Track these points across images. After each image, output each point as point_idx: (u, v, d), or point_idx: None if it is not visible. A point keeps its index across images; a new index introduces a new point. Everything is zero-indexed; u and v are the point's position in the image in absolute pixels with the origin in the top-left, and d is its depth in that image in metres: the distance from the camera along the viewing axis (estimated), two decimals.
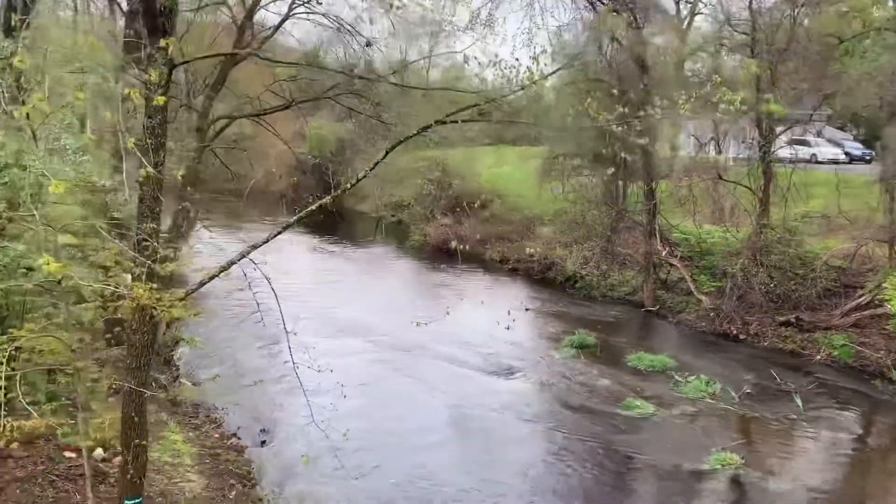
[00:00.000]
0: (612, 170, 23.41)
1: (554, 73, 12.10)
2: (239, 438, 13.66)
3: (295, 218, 8.70)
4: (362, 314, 22.83)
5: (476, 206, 35.83)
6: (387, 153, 7.30)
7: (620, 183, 26.99)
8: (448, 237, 34.06)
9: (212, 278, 7.67)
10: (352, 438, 14.00)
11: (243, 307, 23.09)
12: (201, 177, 27.66)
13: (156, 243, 7.26)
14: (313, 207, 8.25)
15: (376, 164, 7.38)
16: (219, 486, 11.32)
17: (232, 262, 8.51)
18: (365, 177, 7.46)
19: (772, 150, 21.91)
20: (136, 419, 7.32)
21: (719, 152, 23.25)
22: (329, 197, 8.00)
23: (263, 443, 13.55)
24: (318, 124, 42.91)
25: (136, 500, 7.39)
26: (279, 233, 8.94)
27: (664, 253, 23.80)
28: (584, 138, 28.22)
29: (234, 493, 11.23)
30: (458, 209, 35.80)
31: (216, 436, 13.36)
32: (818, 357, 19.29)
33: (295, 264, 29.89)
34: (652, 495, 12.41)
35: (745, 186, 22.57)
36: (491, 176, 40.53)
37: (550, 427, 15.03)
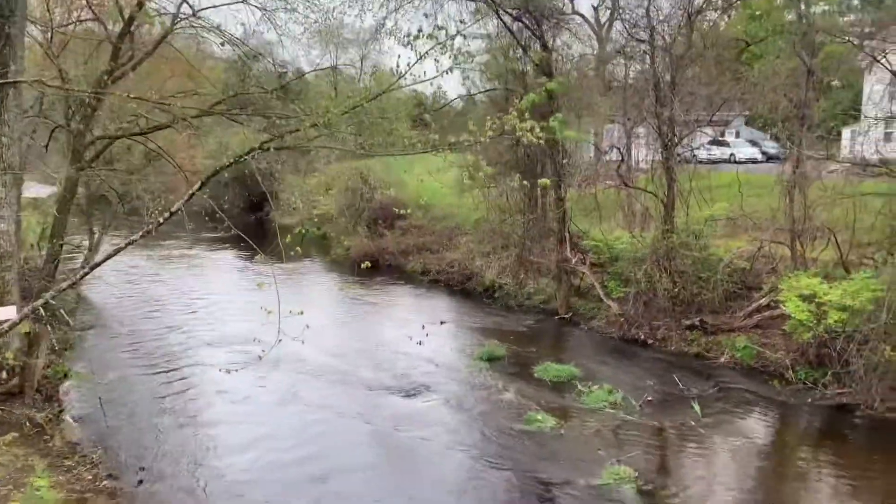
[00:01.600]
0: (518, 176, 23.36)
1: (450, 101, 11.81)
2: (116, 479, 12.92)
3: (135, 236, 8.09)
4: (267, 335, 22.16)
5: (397, 217, 35.73)
6: (202, 185, 6.86)
7: (536, 191, 27.03)
8: (369, 250, 33.76)
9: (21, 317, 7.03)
10: (243, 471, 13.70)
11: (144, 332, 22.43)
12: (107, 196, 26.87)
13: None
14: (156, 222, 7.58)
15: (190, 195, 6.93)
16: None
17: (71, 283, 7.92)
18: (178, 211, 6.99)
19: (673, 154, 22.10)
20: None
21: (622, 159, 23.43)
22: (160, 219, 7.42)
23: (140, 482, 12.85)
24: (240, 135, 41.98)
25: None
26: (116, 252, 8.36)
27: (574, 260, 23.85)
28: (500, 147, 28.38)
29: None
30: (379, 221, 35.47)
31: (88, 478, 12.60)
32: (722, 360, 19.53)
33: (204, 282, 29.13)
34: None
35: (649, 192, 22.79)
36: (419, 185, 40.27)
37: (449, 446, 14.70)
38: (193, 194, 7.00)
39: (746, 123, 52.59)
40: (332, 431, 15.59)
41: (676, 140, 22.10)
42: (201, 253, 35.55)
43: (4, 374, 15.04)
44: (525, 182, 25.97)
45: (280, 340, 7.28)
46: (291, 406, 16.95)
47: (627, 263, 22.99)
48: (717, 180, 26.65)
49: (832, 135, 27.10)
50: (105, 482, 12.61)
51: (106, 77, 14.99)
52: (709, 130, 46.31)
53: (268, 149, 6.71)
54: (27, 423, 14.10)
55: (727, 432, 15.48)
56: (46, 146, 18.65)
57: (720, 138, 47.93)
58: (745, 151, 46.63)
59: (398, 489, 13.02)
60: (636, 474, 13.24)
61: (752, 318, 20.24)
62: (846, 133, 32.22)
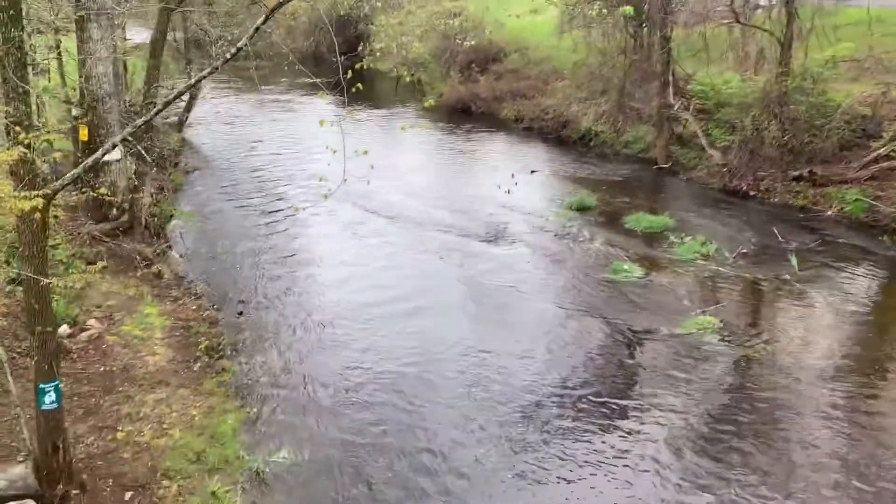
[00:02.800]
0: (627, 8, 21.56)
1: None
2: (218, 310, 13.87)
3: (204, 73, 8.06)
4: (360, 182, 22.51)
5: (492, 60, 34.49)
6: (265, 19, 6.62)
7: (643, 30, 25.21)
8: (462, 96, 33.02)
9: (103, 153, 7.27)
10: (335, 306, 14.40)
11: (244, 173, 23.24)
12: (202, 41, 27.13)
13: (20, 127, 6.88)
14: (223, 58, 7.44)
15: (255, 29, 6.73)
16: (184, 359, 11.62)
17: (145, 120, 8.12)
18: (244, 47, 6.83)
19: None
20: (36, 307, 7.31)
21: None
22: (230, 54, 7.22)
23: (240, 314, 13.75)
24: None
25: (52, 384, 7.54)
26: (185, 89, 8.40)
27: (677, 106, 22.48)
28: None
29: (198, 364, 11.52)
30: (473, 65, 34.37)
31: (193, 308, 13.59)
32: (829, 213, 18.43)
33: (300, 125, 29.49)
34: (616, 361, 12.25)
35: (765, 30, 20.78)
36: (518, 24, 38.34)
37: (530, 293, 14.84)
38: (258, 28, 6.79)
39: None
40: (419, 274, 15.97)
41: None
42: (297, 98, 35.71)
43: (115, 211, 16.03)
44: (629, 15, 24.29)
45: (346, 181, 7.08)
46: (382, 248, 17.38)
47: (735, 109, 21.49)
48: (846, 17, 24.00)
49: None
50: (208, 312, 13.56)
51: None
52: None
53: None
54: (137, 257, 15.15)
55: (824, 287, 14.85)
56: None
57: None
58: None
59: (480, 331, 13.36)
60: (721, 325, 13.04)
61: (868, 169, 18.73)
62: None
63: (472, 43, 34.82)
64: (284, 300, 14.49)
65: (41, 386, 7.52)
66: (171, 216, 18.39)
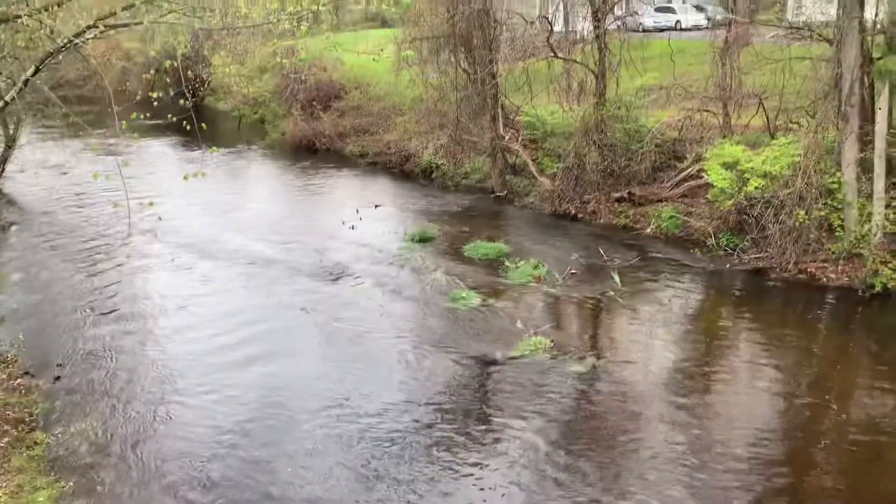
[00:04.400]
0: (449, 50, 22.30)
1: None
2: (32, 376, 12.87)
3: None
4: (200, 223, 21.87)
5: (334, 98, 34.63)
6: (37, 69, 6.33)
7: (475, 67, 26.20)
8: (305, 133, 32.88)
9: None
10: (168, 361, 13.73)
11: (67, 228, 21.82)
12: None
13: None
14: None
15: (25, 81, 6.42)
16: None
17: None
18: (11, 100, 6.49)
19: (604, 23, 21.41)
20: None
21: (550, 29, 22.61)
22: None
23: (57, 378, 12.81)
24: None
25: None
26: None
27: (507, 137, 23.52)
28: (434, 20, 27.23)
29: (6, 439, 10.60)
30: (315, 102, 34.34)
31: (3, 377, 12.51)
32: (648, 230, 19.81)
33: (146, 172, 28.16)
34: (456, 389, 12.50)
35: (578, 62, 22.27)
36: (358, 62, 38.73)
37: (373, 328, 14.85)
38: (27, 81, 6.46)
39: None
40: (262, 318, 15.56)
41: (607, 8, 21.34)
42: (128, 142, 34.11)
43: None
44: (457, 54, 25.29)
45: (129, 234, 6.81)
46: (218, 294, 16.85)
47: (560, 138, 22.78)
48: (654, 49, 26.17)
49: None
50: (20, 380, 12.54)
51: None
52: None
53: (104, 28, 6.12)
54: None
55: (644, 300, 15.92)
56: None
57: (666, 5, 46.69)
58: (691, 18, 45.61)
59: (325, 371, 13.20)
60: (551, 344, 13.63)
61: (679, 188, 20.42)
62: None
63: (312, 80, 34.99)
64: (109, 358, 13.67)
65: None
66: None
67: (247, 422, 11.51)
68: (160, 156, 31.64)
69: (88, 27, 6.15)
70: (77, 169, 28.27)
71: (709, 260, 17.66)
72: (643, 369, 12.95)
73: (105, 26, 6.02)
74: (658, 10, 44.07)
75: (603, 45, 21.41)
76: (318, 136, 32.46)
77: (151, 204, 12.35)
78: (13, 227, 21.61)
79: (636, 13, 39.49)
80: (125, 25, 6.64)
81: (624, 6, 25.69)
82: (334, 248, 19.58)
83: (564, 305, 15.70)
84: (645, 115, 22.16)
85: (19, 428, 10.94)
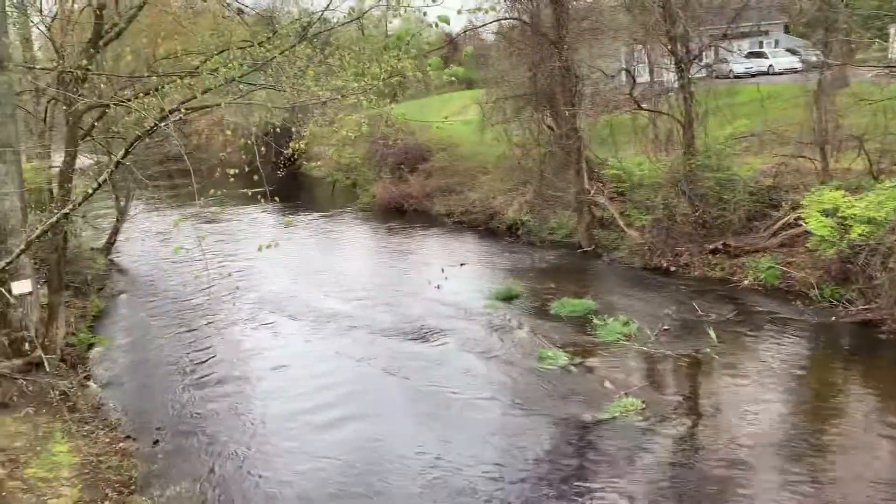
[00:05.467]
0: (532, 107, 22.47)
1: None
2: (133, 440, 13.38)
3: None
4: (292, 286, 22.51)
5: (421, 160, 35.41)
6: (127, 151, 6.75)
7: (559, 122, 26.30)
8: (393, 196, 33.68)
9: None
10: (259, 425, 14.03)
11: (174, 296, 22.92)
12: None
13: None
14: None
15: (116, 163, 6.84)
16: (91, 499, 11.07)
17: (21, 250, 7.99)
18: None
19: (688, 72, 21.09)
20: None
21: (633, 82, 22.45)
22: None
23: (156, 442, 13.26)
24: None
25: None
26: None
27: (593, 191, 23.27)
28: (518, 79, 27.66)
29: (106, 503, 10.99)
30: (402, 165, 35.21)
31: (106, 441, 13.06)
32: (746, 282, 18.98)
33: (231, 242, 29.48)
34: (545, 450, 12.13)
35: (664, 113, 21.93)
36: (442, 126, 39.60)
37: (458, 389, 14.70)
38: (118, 163, 6.90)
39: (786, 31, 49.87)
40: (350, 379, 15.72)
41: (690, 57, 21.04)
42: (231, 210, 35.88)
43: (27, 346, 15.56)
44: (539, 112, 25.47)
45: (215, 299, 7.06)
46: (312, 356, 17.18)
47: (648, 190, 22.35)
48: (745, 96, 25.55)
49: (877, 36, 25.44)
50: (122, 444, 13.06)
51: (92, 46, 14.93)
52: (743, 43, 44.10)
53: (185, 111, 6.52)
54: (51, 392, 14.62)
55: (743, 357, 15.13)
56: (45, 119, 18.83)
57: (757, 50, 45.64)
58: (784, 62, 44.33)
59: (413, 430, 13.15)
60: (643, 406, 13.07)
61: (776, 237, 19.53)
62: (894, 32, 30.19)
63: (400, 144, 35.98)
64: (205, 421, 14.07)
65: None
66: (91, 345, 17.94)
67: (341, 484, 11.52)
68: (258, 221, 33.05)
69: (171, 111, 6.56)
70: (177, 238, 29.80)
71: (812, 312, 16.68)
72: (744, 432, 12.18)
73: (186, 109, 6.40)
74: (749, 55, 43.10)
75: (688, 95, 21.04)
76: (405, 197, 33.16)
77: (230, 275, 12.78)
78: (122, 296, 22.89)
79: (725, 61, 38.84)
80: (204, 108, 7.06)
81: (711, 55, 25.23)
82: (420, 308, 19.68)
83: (657, 364, 15.09)
84: (737, 163, 21.47)
85: (119, 491, 11.32)
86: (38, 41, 22.55)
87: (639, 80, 24.56)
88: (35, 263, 17.34)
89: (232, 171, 8.03)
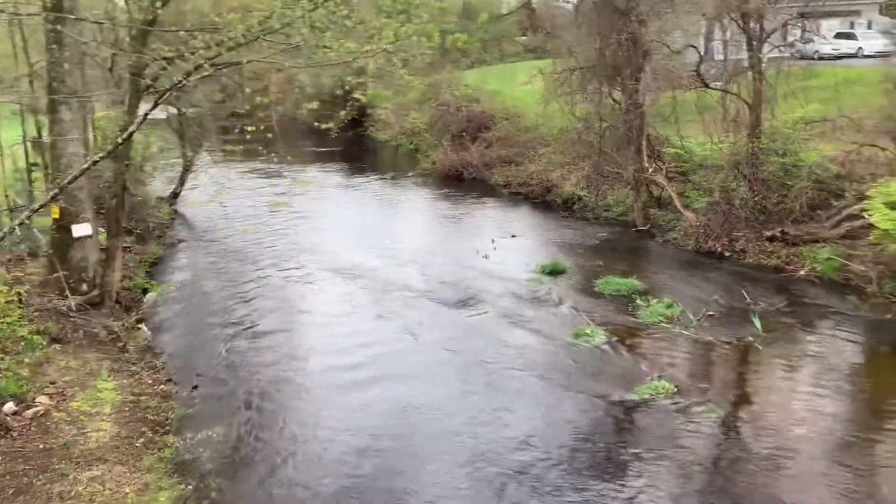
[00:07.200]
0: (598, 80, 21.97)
1: None
2: (176, 384, 13.97)
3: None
4: (343, 246, 22.85)
5: (483, 128, 35.15)
6: (155, 104, 6.95)
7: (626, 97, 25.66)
8: (453, 163, 33.61)
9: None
10: (298, 378, 14.46)
11: (230, 246, 23.60)
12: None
13: None
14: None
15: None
16: (128, 435, 11.66)
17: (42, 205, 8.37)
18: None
19: (760, 51, 20.20)
20: None
21: (699, 58, 21.63)
22: None
23: (195, 387, 13.82)
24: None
25: None
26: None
27: (651, 169, 22.71)
28: (587, 51, 27.08)
29: (141, 440, 11.56)
30: (464, 133, 35.05)
31: (149, 382, 13.70)
32: (801, 272, 18.29)
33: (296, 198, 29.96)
34: (566, 424, 12.11)
35: (733, 94, 21.11)
36: (511, 93, 39.19)
37: (492, 360, 14.76)
38: (146, 116, 7.12)
39: (881, 12, 47.05)
40: (386, 341, 15.95)
41: (763, 36, 20.12)
42: (299, 167, 36.51)
43: (85, 286, 16.38)
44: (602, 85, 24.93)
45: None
46: (356, 317, 17.45)
47: (709, 171, 21.67)
48: (825, 79, 24.38)
49: None
50: (163, 386, 13.67)
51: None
52: (833, 23, 41.88)
53: (213, 68, 6.66)
54: (103, 331, 15.40)
55: (787, 348, 14.67)
56: (111, 69, 19.49)
57: (847, 31, 43.26)
58: (875, 45, 41.86)
59: (443, 394, 13.36)
60: (675, 389, 12.87)
61: (839, 228, 18.69)
62: None
63: (464, 111, 35.85)
64: (247, 373, 14.53)
65: None
66: (146, 289, 18.71)
67: (370, 440, 11.79)
68: (324, 180, 33.58)
69: (196, 67, 6.73)
70: (242, 192, 30.57)
71: (869, 308, 16.00)
72: (775, 424, 11.87)
73: (211, 65, 6.56)
74: (838, 36, 40.88)
75: (756, 75, 20.19)
76: (465, 165, 33.05)
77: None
78: (181, 244, 23.73)
79: (809, 40, 37.01)
80: (229, 65, 7.22)
81: (790, 33, 24.12)
82: (465, 276, 19.73)
83: (695, 349, 14.79)
84: (805, 148, 20.54)
85: (155, 430, 11.89)
86: None
87: (715, 57, 23.68)
88: (99, 210, 18.16)
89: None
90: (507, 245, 22.57)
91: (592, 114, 26.84)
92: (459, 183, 32.63)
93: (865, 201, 17.64)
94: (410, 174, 35.68)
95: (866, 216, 16.92)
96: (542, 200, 28.02)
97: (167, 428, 12.13)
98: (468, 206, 28.73)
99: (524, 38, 62.14)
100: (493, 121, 35.23)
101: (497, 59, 58.79)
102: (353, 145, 42.78)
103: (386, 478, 10.84)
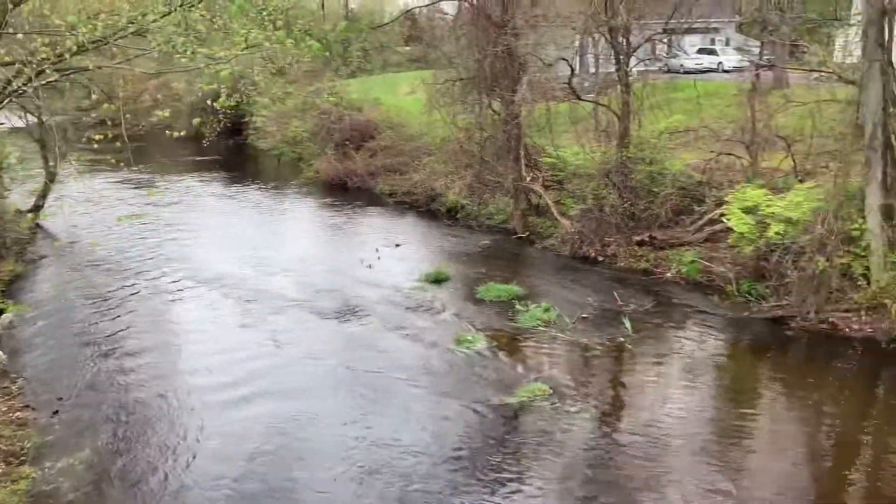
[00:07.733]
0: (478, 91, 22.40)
1: None
2: (34, 409, 13.05)
3: None
4: (221, 258, 22.12)
5: (368, 138, 35.07)
6: None
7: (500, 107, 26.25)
8: (337, 172, 33.30)
9: None
10: (164, 396, 13.79)
11: (98, 262, 22.34)
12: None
13: None
14: None
15: None
16: None
17: None
18: None
19: (627, 65, 21.25)
20: None
21: (571, 71, 22.55)
22: None
23: (56, 413, 12.96)
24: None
25: None
26: None
27: (529, 178, 23.37)
28: (468, 63, 27.48)
29: None
30: (348, 142, 34.84)
31: (2, 409, 12.72)
32: (668, 275, 19.30)
33: (172, 209, 28.84)
34: (443, 431, 12.22)
35: (603, 105, 22.08)
36: (395, 103, 39.30)
37: (375, 369, 14.69)
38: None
39: (737, 30, 50.64)
40: (265, 356, 15.54)
41: (629, 50, 21.18)
42: (175, 177, 35.09)
43: None
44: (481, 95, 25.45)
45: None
46: (228, 331, 16.94)
47: (583, 180, 22.52)
48: (688, 92, 25.85)
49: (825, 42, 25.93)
50: (18, 413, 12.73)
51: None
52: (695, 39, 44.61)
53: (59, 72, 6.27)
54: None
55: (655, 347, 15.43)
56: None
57: (709, 46, 46.29)
58: (733, 60, 45.09)
59: (325, 406, 13.15)
60: (551, 391, 13.24)
61: (702, 233, 19.90)
62: (840, 38, 30.82)
63: (347, 120, 35.63)
64: (113, 395, 13.78)
65: None
66: (1, 310, 17.38)
67: (249, 460, 11.42)
68: (202, 189, 32.42)
69: (38, 73, 6.32)
70: (107, 203, 29.05)
71: (728, 307, 17.07)
72: (644, 420, 12.46)
73: (55, 70, 6.17)
74: (701, 51, 43.74)
75: (625, 88, 21.21)
76: (350, 174, 32.80)
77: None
78: (42, 260, 22.24)
79: (675, 55, 39.30)
80: (76, 70, 6.85)
81: (655, 49, 25.49)
82: (348, 286, 19.56)
83: (569, 351, 15.30)
84: (670, 157, 21.75)
85: (8, 461, 11.04)
86: None
87: (587, 71, 24.64)
88: None
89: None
90: (392, 254, 22.57)
91: (473, 124, 27.29)
92: (344, 192, 32.35)
93: (724, 206, 18.90)
94: (293, 183, 35.04)
95: (725, 220, 18.11)
96: (427, 209, 28.21)
97: (22, 458, 11.28)
98: (352, 216, 28.54)
99: (407, 48, 62.67)
100: (377, 130, 35.20)
101: (380, 69, 58.98)
102: (234, 154, 41.60)
103: (265, 495, 10.55)
